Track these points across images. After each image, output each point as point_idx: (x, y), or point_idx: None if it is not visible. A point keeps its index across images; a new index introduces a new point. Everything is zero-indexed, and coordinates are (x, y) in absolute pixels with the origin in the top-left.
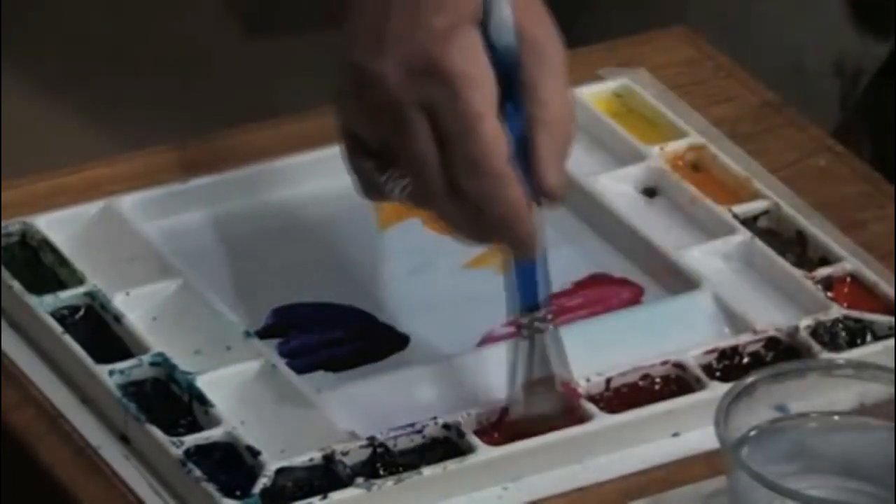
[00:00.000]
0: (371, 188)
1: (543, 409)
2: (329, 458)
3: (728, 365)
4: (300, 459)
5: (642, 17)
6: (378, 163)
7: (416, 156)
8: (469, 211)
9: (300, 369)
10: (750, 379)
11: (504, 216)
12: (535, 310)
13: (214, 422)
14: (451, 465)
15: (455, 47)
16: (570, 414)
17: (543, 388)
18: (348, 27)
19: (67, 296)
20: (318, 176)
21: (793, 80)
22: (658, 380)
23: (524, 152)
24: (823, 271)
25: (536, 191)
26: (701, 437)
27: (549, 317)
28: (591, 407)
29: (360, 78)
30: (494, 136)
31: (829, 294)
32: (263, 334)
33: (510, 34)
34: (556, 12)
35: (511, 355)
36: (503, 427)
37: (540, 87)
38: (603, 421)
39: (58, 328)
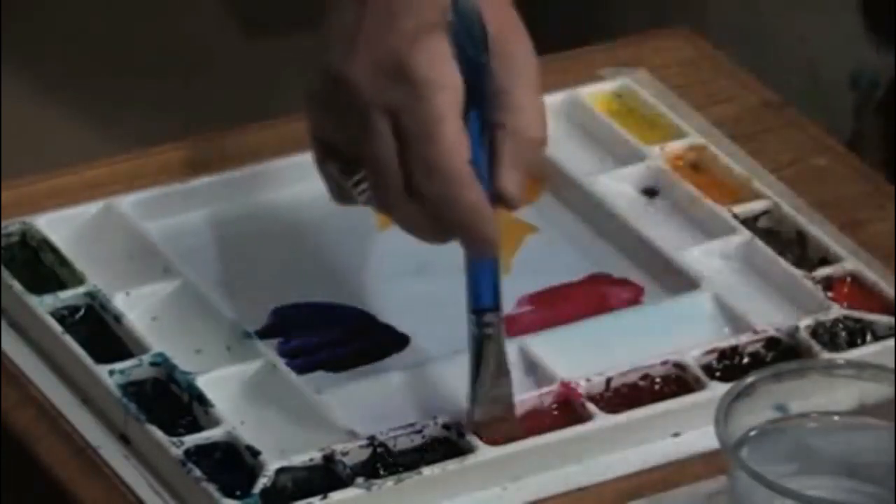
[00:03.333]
0: (340, 193)
1: (495, 413)
2: (329, 458)
3: (728, 365)
4: (300, 459)
5: (650, 20)
6: (345, 167)
7: (377, 157)
8: (428, 213)
9: (300, 369)
10: (750, 379)
11: (461, 219)
12: (486, 311)
13: (214, 422)
14: (451, 465)
15: (422, 52)
16: (520, 424)
17: (497, 393)
18: (325, 32)
19: (67, 296)
20: (318, 176)
21: (808, 92)
22: (658, 380)
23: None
24: (823, 271)
25: (493, 195)
26: (701, 437)
27: (500, 321)
28: (591, 407)
29: (330, 80)
30: (454, 139)
31: (829, 294)
32: (263, 334)
33: (479, 42)
34: (558, 13)
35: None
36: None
37: (511, 95)
38: (603, 421)
39: (58, 328)
